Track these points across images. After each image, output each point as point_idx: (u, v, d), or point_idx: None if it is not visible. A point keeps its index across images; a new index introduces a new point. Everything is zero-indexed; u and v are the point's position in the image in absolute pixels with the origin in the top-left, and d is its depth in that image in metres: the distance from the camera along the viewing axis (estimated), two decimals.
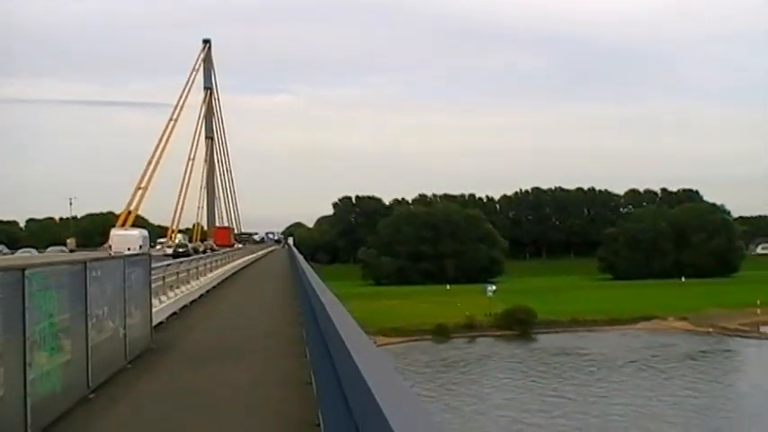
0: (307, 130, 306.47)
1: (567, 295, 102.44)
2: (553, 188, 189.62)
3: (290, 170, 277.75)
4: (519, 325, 74.56)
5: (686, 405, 41.58)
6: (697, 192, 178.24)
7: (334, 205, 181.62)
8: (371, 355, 3.66)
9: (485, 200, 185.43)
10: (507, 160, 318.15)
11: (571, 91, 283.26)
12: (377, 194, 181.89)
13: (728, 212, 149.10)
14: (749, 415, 40.57)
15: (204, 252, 52.43)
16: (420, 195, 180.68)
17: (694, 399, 43.55)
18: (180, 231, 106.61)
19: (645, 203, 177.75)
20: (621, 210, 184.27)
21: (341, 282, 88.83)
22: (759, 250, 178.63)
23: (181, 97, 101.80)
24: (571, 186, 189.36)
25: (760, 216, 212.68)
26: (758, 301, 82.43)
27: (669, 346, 64.85)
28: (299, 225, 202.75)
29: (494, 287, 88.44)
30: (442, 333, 72.87)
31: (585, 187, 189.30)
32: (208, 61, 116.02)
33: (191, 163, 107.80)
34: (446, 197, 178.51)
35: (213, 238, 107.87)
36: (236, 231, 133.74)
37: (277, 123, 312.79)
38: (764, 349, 63.33)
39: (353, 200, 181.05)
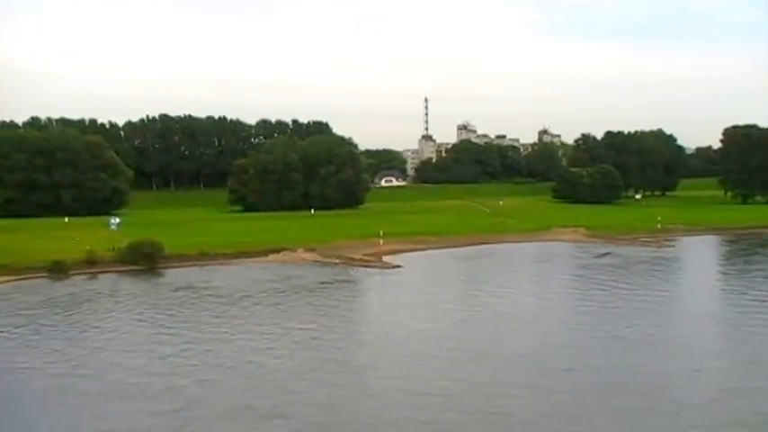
0: None
1: (197, 227, 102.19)
2: (182, 116, 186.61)
3: None
4: (145, 259, 72.40)
5: (288, 339, 43.27)
6: (327, 124, 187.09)
7: None
8: None
9: (107, 126, 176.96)
10: (135, 87, 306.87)
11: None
12: None
13: (356, 146, 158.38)
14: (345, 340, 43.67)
15: None
16: (32, 118, 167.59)
17: (303, 330, 45.38)
18: None
19: (276, 134, 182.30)
20: (253, 141, 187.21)
21: None
22: (383, 182, 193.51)
23: None
24: (201, 115, 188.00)
25: (384, 149, 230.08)
26: (381, 232, 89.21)
27: (294, 277, 67.10)
28: None
29: (118, 220, 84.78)
30: (59, 270, 68.25)
31: (216, 116, 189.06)
32: None
33: None
34: (63, 122, 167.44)
35: None
36: None
37: None
38: (386, 278, 68.29)
39: None
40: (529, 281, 66.49)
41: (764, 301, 54.16)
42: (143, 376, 35.63)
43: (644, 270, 70.91)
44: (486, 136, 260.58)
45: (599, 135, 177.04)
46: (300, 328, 45.99)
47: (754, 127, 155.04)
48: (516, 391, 33.06)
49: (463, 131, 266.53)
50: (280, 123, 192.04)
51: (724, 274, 72.11)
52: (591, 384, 34.25)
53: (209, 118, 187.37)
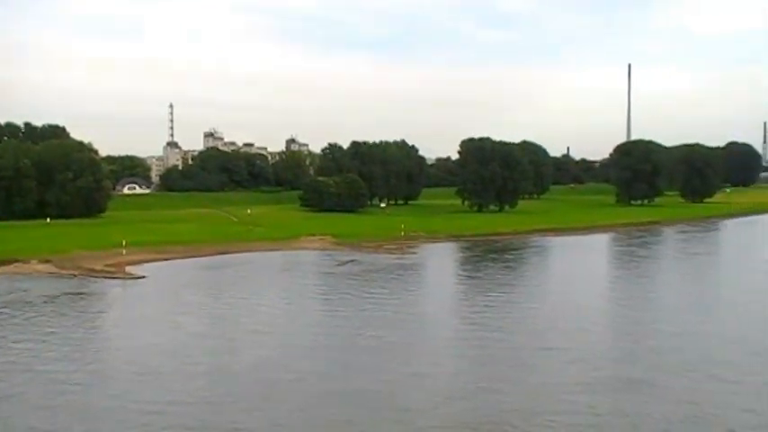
0: None
1: None
2: None
3: None
4: None
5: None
6: (64, 128, 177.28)
7: None
8: None
9: None
10: None
11: None
12: None
13: (96, 151, 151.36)
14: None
15: None
16: None
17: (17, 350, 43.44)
18: None
19: (6, 138, 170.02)
20: None
21: None
22: (126, 190, 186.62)
23: None
24: None
25: (127, 156, 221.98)
26: (123, 242, 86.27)
27: (20, 291, 63.26)
28: None
29: None
30: None
31: None
32: None
33: None
34: None
35: None
36: None
37: None
38: (128, 289, 66.22)
39: None
40: (273, 290, 67.26)
41: (493, 306, 58.42)
42: None
43: (386, 277, 74.04)
44: (233, 144, 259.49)
45: (346, 145, 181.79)
46: (14, 347, 43.77)
47: (488, 140, 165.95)
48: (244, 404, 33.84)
49: (210, 139, 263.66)
50: (10, 126, 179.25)
51: (460, 279, 76.99)
52: (319, 394, 35.31)
53: None
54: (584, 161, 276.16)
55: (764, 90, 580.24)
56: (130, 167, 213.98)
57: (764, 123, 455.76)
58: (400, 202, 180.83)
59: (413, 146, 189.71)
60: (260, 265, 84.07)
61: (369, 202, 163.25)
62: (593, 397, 34.41)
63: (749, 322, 51.56)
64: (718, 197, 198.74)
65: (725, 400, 34.02)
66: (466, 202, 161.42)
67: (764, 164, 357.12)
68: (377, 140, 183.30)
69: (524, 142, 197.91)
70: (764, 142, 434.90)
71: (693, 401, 33.77)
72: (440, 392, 35.59)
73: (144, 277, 71.91)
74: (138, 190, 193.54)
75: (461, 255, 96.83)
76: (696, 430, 30.88)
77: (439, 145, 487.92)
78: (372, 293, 63.26)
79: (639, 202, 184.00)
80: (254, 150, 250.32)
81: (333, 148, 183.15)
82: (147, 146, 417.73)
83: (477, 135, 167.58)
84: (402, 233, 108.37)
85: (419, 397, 34.87)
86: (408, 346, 44.83)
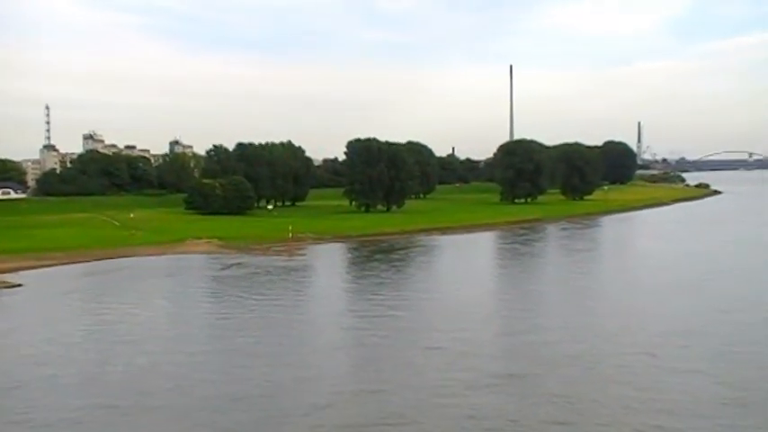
0: None
1: None
2: None
3: None
4: None
5: None
6: None
7: None
8: None
9: None
10: None
11: None
12: None
13: None
14: None
15: None
16: None
17: None
18: None
19: None
20: None
21: None
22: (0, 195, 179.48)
23: None
24: None
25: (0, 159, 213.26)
26: None
27: None
28: None
29: None
30: None
31: None
32: None
33: None
34: None
35: None
36: None
37: None
38: (2, 298, 64.01)
39: None
40: (155, 296, 66.34)
41: (377, 306, 59.16)
42: None
43: (272, 280, 73.87)
44: (114, 146, 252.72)
45: (231, 146, 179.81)
46: None
47: (374, 140, 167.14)
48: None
49: (89, 141, 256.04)
50: None
51: (347, 280, 77.43)
52: (203, 398, 35.30)
53: None
54: (468, 161, 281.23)
55: (638, 90, 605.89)
56: (3, 171, 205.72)
57: (638, 123, 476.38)
58: (287, 203, 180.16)
59: (299, 147, 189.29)
60: (143, 270, 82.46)
61: (255, 205, 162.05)
62: (474, 393, 35.37)
63: (628, 316, 53.80)
64: (597, 195, 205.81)
65: (601, 393, 35.58)
66: (353, 203, 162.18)
67: (639, 162, 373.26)
68: (263, 142, 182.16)
69: (410, 142, 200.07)
70: (639, 141, 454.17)
71: (567, 395, 35.17)
72: (322, 396, 35.70)
73: (20, 285, 69.53)
74: (13, 195, 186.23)
75: (349, 255, 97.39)
76: (572, 422, 32.20)
77: (326, 146, 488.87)
78: (259, 297, 63.01)
79: (523, 200, 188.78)
80: (136, 153, 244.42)
81: (218, 150, 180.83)
82: (23, 149, 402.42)
83: (363, 135, 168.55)
84: (290, 235, 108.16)
85: (300, 401, 34.98)
86: (293, 350, 44.86)
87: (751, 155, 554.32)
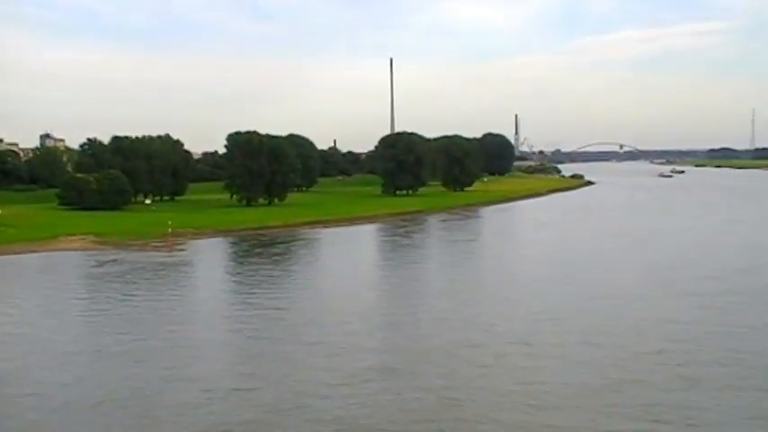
0: None
1: None
2: None
3: None
4: None
5: None
6: None
7: None
8: None
9: None
10: None
11: None
12: None
13: None
14: None
15: None
16: None
17: None
18: None
19: None
20: None
21: None
22: None
23: None
24: None
25: None
26: None
27: None
28: None
29: None
30: None
31: None
32: None
33: None
34: None
35: None
36: None
37: None
38: None
39: None
40: (22, 296, 63.66)
41: (255, 302, 59.18)
42: None
43: (149, 276, 72.45)
44: None
45: (106, 140, 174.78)
46: None
47: (255, 133, 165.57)
48: None
49: None
50: None
51: (226, 275, 76.77)
52: (60, 407, 34.24)
53: None
54: (350, 153, 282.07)
55: (516, 84, 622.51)
56: None
57: (515, 116, 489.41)
58: (166, 198, 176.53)
59: (178, 140, 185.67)
60: (11, 268, 79.33)
61: (133, 199, 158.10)
62: (353, 389, 35.72)
63: (504, 307, 55.36)
64: (476, 186, 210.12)
65: (478, 384, 36.62)
66: (234, 197, 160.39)
67: (517, 153, 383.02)
68: (140, 135, 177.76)
69: (291, 135, 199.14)
70: (516, 133, 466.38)
71: (448, 387, 36.03)
72: (194, 396, 35.30)
73: None
74: None
75: (230, 250, 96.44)
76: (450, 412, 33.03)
77: (205, 139, 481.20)
78: (134, 295, 61.64)
79: (405, 192, 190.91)
80: (3, 147, 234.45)
81: (92, 144, 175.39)
82: None
83: (244, 128, 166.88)
84: (169, 230, 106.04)
85: (171, 401, 34.55)
86: (166, 350, 43.97)
87: (621, 146, 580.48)
